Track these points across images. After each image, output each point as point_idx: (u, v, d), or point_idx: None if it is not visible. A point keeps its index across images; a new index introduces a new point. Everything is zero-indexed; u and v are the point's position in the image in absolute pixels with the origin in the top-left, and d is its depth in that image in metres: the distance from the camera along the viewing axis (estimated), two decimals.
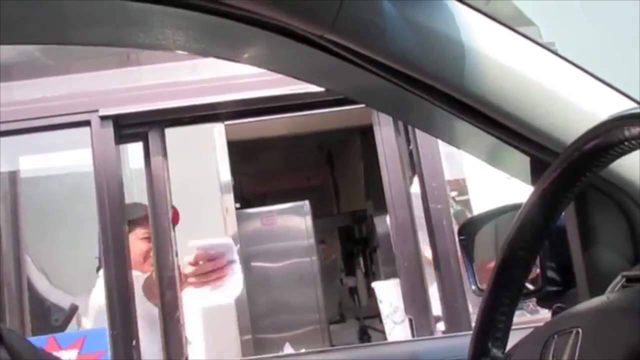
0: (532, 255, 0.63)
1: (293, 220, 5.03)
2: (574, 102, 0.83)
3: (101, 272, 2.45)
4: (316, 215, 5.29)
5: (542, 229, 0.61)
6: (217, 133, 4.11)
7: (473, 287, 1.23)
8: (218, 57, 1.09)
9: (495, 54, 0.82)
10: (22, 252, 2.26)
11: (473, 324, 1.54)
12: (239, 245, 4.15)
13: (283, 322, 4.74)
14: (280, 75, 1.81)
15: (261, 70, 1.84)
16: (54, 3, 0.88)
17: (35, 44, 1.43)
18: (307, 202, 5.06)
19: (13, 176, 2.24)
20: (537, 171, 0.93)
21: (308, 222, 5.02)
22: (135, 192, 2.56)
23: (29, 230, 2.44)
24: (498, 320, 0.63)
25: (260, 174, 6.31)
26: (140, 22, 0.95)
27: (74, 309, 2.49)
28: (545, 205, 0.60)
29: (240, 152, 4.60)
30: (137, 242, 2.50)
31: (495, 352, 0.63)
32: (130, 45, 1.06)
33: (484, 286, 1.26)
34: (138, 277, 1.93)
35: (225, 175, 4.18)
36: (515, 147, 0.93)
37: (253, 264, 4.71)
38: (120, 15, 0.93)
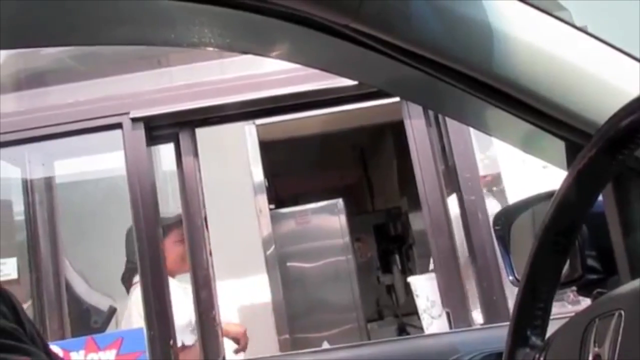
0: (570, 240, 0.61)
1: (327, 219, 5.01)
2: (610, 82, 0.80)
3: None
4: (350, 213, 5.26)
5: (579, 212, 0.59)
6: (248, 134, 4.12)
7: (511, 277, 1.20)
8: (245, 53, 1.09)
9: (526, 37, 0.80)
10: (60, 255, 2.30)
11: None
12: (273, 247, 4.18)
13: (320, 321, 4.72)
14: (309, 72, 1.81)
15: (290, 67, 1.83)
16: (83, 4, 0.89)
17: (65, 45, 1.45)
18: (340, 201, 5.04)
19: (49, 182, 2.28)
20: (572, 156, 0.90)
21: (342, 220, 5.00)
22: (170, 194, 2.58)
23: (66, 234, 2.47)
24: (536, 308, 0.61)
25: (293, 174, 6.32)
26: (166, 19, 0.95)
27: (112, 311, 2.52)
28: (582, 186, 0.57)
29: (273, 153, 4.61)
30: (172, 246, 2.52)
31: (535, 340, 0.61)
32: (158, 44, 1.06)
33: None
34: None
35: (258, 176, 4.18)
36: (550, 132, 0.90)
37: (289, 264, 4.71)
38: (147, 13, 0.93)
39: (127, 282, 2.50)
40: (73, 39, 1.06)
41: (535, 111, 0.85)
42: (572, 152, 0.90)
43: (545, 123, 0.88)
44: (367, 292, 5.66)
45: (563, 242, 0.60)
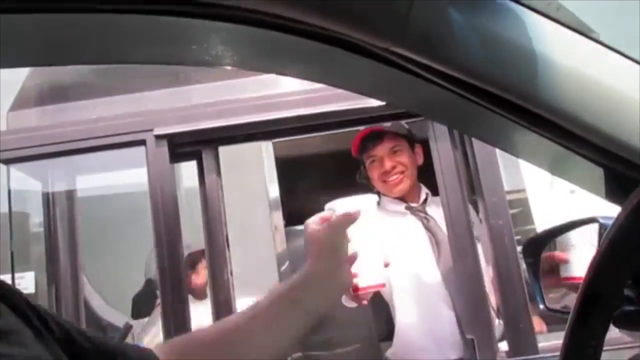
0: (625, 272, 0.59)
1: None
2: None
3: None
4: None
5: (638, 243, 0.57)
6: (265, 151, 4.11)
7: (541, 306, 1.18)
8: (277, 74, 1.08)
9: (569, 62, 0.78)
10: (79, 271, 2.29)
11: (540, 345, 1.47)
12: (287, 264, 4.15)
13: (332, 339, 4.68)
14: (331, 92, 1.80)
15: (314, 87, 1.82)
16: (108, 23, 0.88)
17: (92, 64, 1.44)
18: None
19: (70, 195, 2.28)
20: (612, 183, 0.88)
21: None
22: (186, 213, 2.57)
23: (85, 249, 2.46)
24: (588, 344, 0.59)
25: (306, 191, 6.29)
26: (197, 39, 0.94)
27: (128, 328, 2.50)
28: None
29: (287, 169, 4.60)
30: None
31: None
32: (188, 63, 1.05)
33: (553, 305, 1.21)
34: None
35: (274, 192, 4.17)
36: (588, 158, 0.88)
37: None
38: (177, 32, 0.92)
39: (143, 304, 2.48)
40: (100, 57, 1.05)
41: (574, 136, 0.83)
42: (612, 180, 0.88)
43: (583, 149, 0.86)
44: (380, 311, 5.60)
45: (618, 273, 0.58)
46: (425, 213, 2.19)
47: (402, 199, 2.25)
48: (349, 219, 1.28)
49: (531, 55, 0.78)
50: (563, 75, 0.78)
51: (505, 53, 0.78)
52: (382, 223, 1.54)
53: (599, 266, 0.58)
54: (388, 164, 2.19)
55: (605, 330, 0.59)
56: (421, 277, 2.06)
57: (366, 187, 2.43)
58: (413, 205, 2.21)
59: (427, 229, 2.13)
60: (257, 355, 0.92)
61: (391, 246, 2.05)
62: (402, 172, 2.19)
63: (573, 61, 0.79)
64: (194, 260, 2.95)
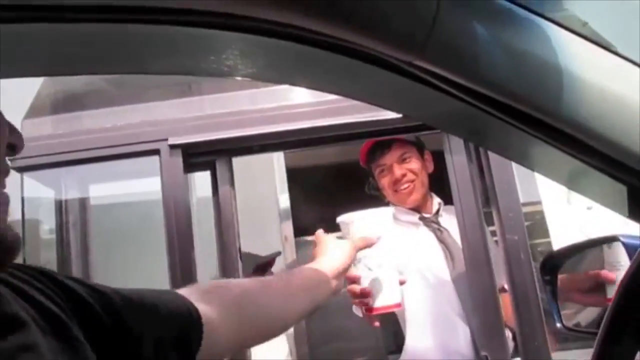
0: None
1: None
2: None
3: None
4: None
5: None
6: (276, 161, 4.11)
7: (559, 324, 1.16)
8: (295, 85, 1.07)
9: (594, 77, 0.77)
10: (91, 278, 2.28)
11: None
12: None
13: (341, 350, 4.66)
14: (346, 103, 1.80)
15: (326, 99, 1.82)
16: (129, 34, 0.87)
17: (109, 74, 1.44)
18: None
19: (83, 203, 2.28)
20: (636, 201, 0.87)
21: None
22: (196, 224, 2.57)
23: (97, 257, 2.46)
24: None
25: (317, 202, 6.28)
26: (215, 49, 0.94)
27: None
28: None
29: (298, 180, 4.60)
30: None
31: None
32: (205, 74, 1.04)
33: (570, 323, 1.19)
34: None
35: (285, 203, 4.17)
36: (610, 174, 0.87)
37: None
38: (196, 43, 0.92)
39: None
40: (121, 67, 1.04)
41: (595, 152, 0.82)
42: (635, 197, 0.86)
43: (607, 166, 0.85)
44: (388, 323, 5.57)
45: None
46: (439, 224, 2.16)
47: (415, 209, 2.22)
48: (367, 244, 1.46)
49: (555, 70, 0.77)
50: (588, 90, 0.77)
51: (529, 67, 0.77)
52: (397, 237, 1.52)
53: (630, 286, 0.56)
54: (398, 172, 2.16)
55: (636, 350, 0.57)
56: (435, 290, 2.03)
57: (376, 198, 2.40)
58: (426, 215, 2.19)
59: (441, 240, 2.10)
60: (269, 315, 1.12)
61: (405, 260, 2.03)
62: (412, 181, 2.16)
63: (598, 77, 0.78)
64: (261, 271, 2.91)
